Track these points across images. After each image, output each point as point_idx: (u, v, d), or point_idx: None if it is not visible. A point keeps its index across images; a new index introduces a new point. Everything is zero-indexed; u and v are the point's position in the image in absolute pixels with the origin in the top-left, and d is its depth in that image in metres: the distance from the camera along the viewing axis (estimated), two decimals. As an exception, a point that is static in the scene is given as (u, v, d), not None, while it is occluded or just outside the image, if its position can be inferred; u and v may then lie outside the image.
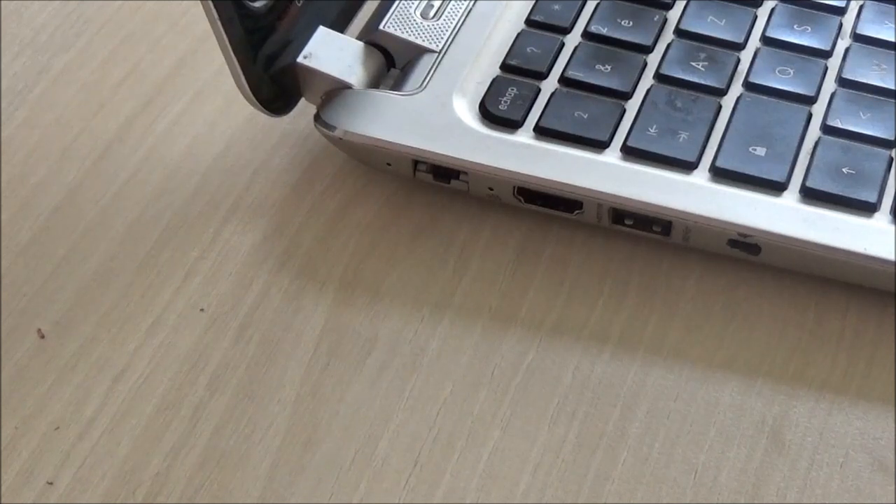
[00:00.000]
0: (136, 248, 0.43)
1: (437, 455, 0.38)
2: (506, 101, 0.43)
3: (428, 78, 0.44)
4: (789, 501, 0.37)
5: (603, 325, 0.41)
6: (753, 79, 0.44)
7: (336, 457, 0.38)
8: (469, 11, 0.46)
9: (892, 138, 0.42)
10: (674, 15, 0.46)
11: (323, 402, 0.39)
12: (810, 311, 0.41)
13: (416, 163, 0.43)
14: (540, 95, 0.44)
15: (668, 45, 0.45)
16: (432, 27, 0.46)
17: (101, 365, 0.40)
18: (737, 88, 0.44)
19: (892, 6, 0.46)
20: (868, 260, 0.39)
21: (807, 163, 0.41)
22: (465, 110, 0.43)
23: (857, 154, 0.42)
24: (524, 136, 0.43)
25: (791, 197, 0.41)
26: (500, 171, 0.42)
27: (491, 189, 0.42)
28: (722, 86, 0.44)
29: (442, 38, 0.45)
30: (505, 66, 0.45)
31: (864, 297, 0.41)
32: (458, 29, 0.46)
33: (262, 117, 0.44)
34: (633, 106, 0.43)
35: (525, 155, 0.42)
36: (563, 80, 0.44)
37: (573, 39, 0.46)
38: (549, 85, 0.44)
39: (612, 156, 0.42)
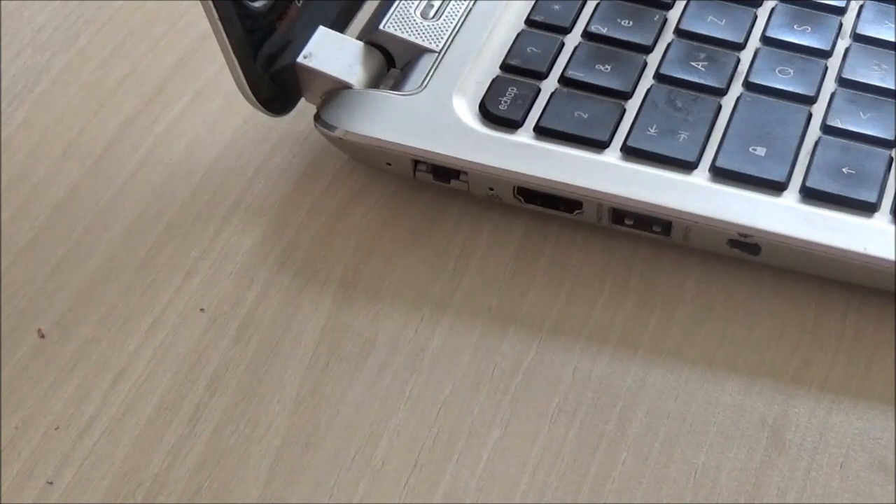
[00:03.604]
0: (136, 248, 0.43)
1: (437, 455, 0.38)
2: (506, 101, 0.43)
3: (428, 78, 0.44)
4: (789, 501, 0.37)
5: (603, 325, 0.41)
6: (753, 79, 0.44)
7: (336, 457, 0.38)
8: (469, 11, 0.46)
9: (892, 138, 0.42)
10: (674, 15, 0.46)
11: (323, 402, 0.39)
12: (810, 311, 0.41)
13: (416, 163, 0.43)
14: (540, 95, 0.44)
15: (668, 45, 0.45)
16: (432, 27, 0.46)
17: (101, 365, 0.40)
18: (737, 88, 0.44)
19: (892, 6, 0.46)
20: (868, 260, 0.39)
21: (807, 163, 0.41)
22: (465, 110, 0.43)
23: (857, 154, 0.42)
24: (524, 136, 0.43)
25: (791, 197, 0.41)
26: (500, 171, 0.42)
27: (491, 189, 0.42)
28: (722, 86, 0.44)
29: (442, 38, 0.45)
30: (505, 66, 0.45)
31: (864, 297, 0.41)
32: (458, 29, 0.46)
33: (262, 117, 0.44)
34: (633, 106, 0.43)
35: (525, 155, 0.42)
36: (563, 79, 0.44)
37: (573, 39, 0.46)
38: (549, 85, 0.44)
39: (612, 156, 0.42)
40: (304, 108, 0.45)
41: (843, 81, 0.44)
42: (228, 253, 0.43)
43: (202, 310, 0.41)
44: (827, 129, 0.42)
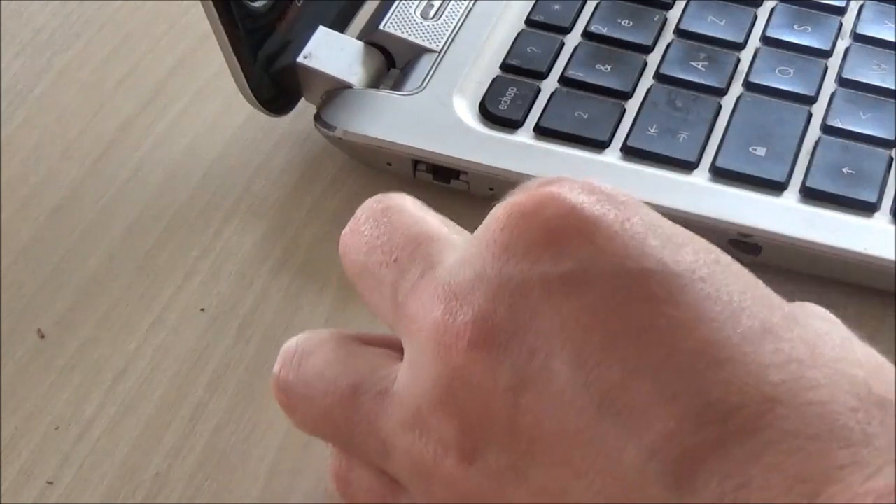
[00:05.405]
0: (136, 248, 0.43)
1: (437, 455, 0.38)
2: (506, 101, 0.43)
3: (428, 78, 0.44)
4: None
5: (603, 325, 0.41)
6: (753, 79, 0.44)
7: (336, 457, 0.38)
8: (469, 11, 0.46)
9: (892, 138, 0.42)
10: (674, 15, 0.46)
11: (323, 402, 0.39)
12: (810, 311, 0.41)
13: (416, 163, 0.43)
14: (540, 95, 0.44)
15: (668, 45, 0.45)
16: (432, 27, 0.46)
17: (101, 365, 0.40)
18: (737, 88, 0.44)
19: (892, 6, 0.46)
20: (868, 260, 0.39)
21: (807, 163, 0.41)
22: (465, 110, 0.43)
23: (857, 154, 0.42)
24: (524, 136, 0.43)
25: (791, 197, 0.41)
26: (500, 171, 0.42)
27: (491, 189, 0.42)
28: (722, 86, 0.44)
29: (442, 38, 0.45)
30: (505, 66, 0.45)
31: (864, 297, 0.41)
32: (458, 29, 0.46)
33: (262, 117, 0.44)
34: (633, 106, 0.43)
35: (525, 155, 0.42)
36: (563, 79, 0.44)
37: (573, 39, 0.46)
38: (549, 85, 0.44)
39: (612, 156, 0.42)
40: (304, 108, 0.45)
41: (843, 81, 0.44)
42: (228, 253, 0.43)
43: (202, 310, 0.41)
44: (827, 128, 0.42)
